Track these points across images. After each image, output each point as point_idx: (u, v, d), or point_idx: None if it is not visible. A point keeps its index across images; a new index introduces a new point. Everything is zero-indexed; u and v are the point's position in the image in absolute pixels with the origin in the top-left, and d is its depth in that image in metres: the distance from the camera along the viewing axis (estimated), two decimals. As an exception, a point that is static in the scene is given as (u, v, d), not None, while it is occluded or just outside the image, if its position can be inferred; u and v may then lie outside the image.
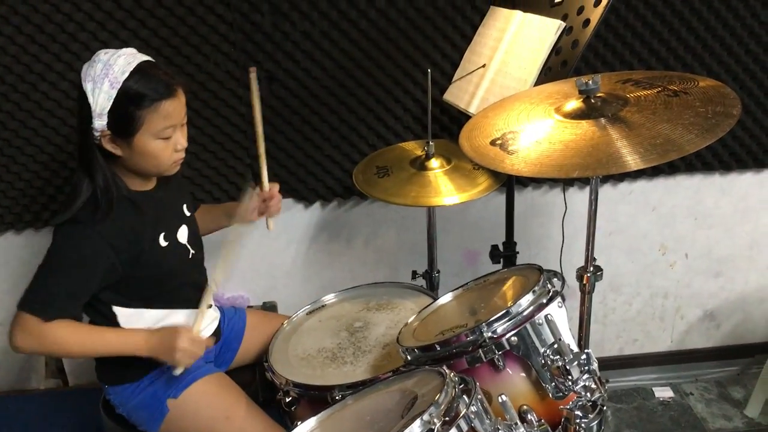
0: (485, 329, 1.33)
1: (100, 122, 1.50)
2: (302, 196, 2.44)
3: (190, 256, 1.76)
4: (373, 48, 2.23)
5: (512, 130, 1.53)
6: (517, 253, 2.23)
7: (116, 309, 1.65)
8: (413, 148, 2.12)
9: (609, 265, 2.57)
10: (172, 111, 1.54)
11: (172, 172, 1.64)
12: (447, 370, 1.18)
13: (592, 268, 1.66)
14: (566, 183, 2.42)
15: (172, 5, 2.11)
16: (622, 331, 2.74)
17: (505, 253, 2.20)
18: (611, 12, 2.17)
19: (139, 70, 1.50)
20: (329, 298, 1.98)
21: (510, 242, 2.20)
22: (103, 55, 1.51)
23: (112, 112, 1.49)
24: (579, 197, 2.44)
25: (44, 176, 2.30)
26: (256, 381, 1.92)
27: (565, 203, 2.35)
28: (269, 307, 2.55)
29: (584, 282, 1.66)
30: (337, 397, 1.52)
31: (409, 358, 1.42)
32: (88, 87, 1.49)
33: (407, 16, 2.19)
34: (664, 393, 2.69)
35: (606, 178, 2.46)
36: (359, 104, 2.30)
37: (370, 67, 2.25)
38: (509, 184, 2.16)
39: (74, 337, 1.56)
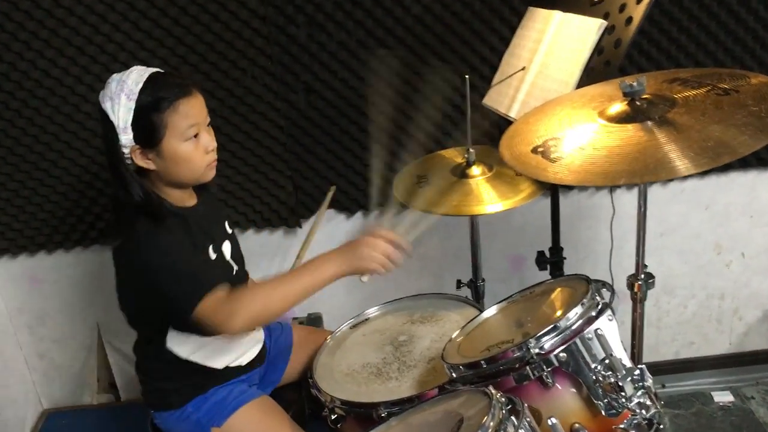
0: (532, 345, 1.28)
1: (126, 137, 1.50)
2: (343, 207, 2.42)
3: (234, 273, 1.75)
4: (410, 55, 2.20)
5: (554, 136, 1.48)
6: (564, 258, 2.17)
7: (169, 334, 1.64)
8: (453, 155, 2.08)
9: (661, 267, 2.51)
10: (191, 109, 1.53)
11: (209, 176, 1.61)
12: (493, 391, 1.14)
13: (643, 276, 1.60)
14: (613, 185, 2.36)
15: (209, 21, 2.12)
16: (677, 335, 2.65)
17: (552, 260, 2.15)
18: (654, 7, 2.09)
19: (152, 78, 1.51)
20: (373, 311, 1.95)
21: (556, 248, 2.15)
22: (116, 75, 1.53)
23: (135, 124, 1.49)
24: (627, 198, 2.37)
25: (90, 195, 2.34)
26: (302, 397, 1.91)
27: (613, 206, 2.28)
28: (314, 318, 2.54)
29: (635, 290, 1.60)
30: (382, 414, 1.49)
31: (454, 375, 1.38)
32: (107, 106, 1.50)
33: (444, 21, 2.16)
34: (723, 397, 2.59)
35: (670, 178, 2.37)
36: (398, 112, 2.27)
37: (408, 74, 2.22)
38: (554, 188, 2.11)
39: (265, 293, 1.53)
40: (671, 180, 2.39)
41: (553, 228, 2.14)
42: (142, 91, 1.49)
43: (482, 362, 1.33)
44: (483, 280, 2.17)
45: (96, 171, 2.30)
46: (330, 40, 2.17)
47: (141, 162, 1.53)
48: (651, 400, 1.29)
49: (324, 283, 1.53)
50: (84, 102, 2.20)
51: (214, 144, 1.59)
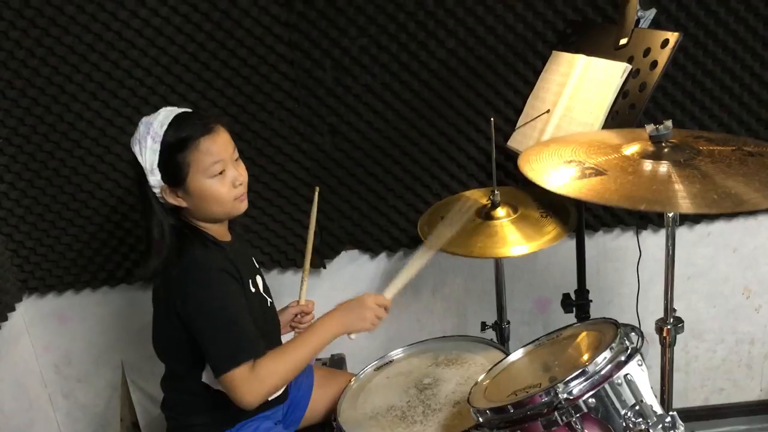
0: (561, 390, 1.26)
1: (154, 178, 1.55)
2: (368, 247, 2.43)
3: (269, 305, 1.79)
4: (435, 98, 2.23)
5: (580, 160, 1.49)
6: (591, 301, 2.14)
7: (206, 368, 1.65)
8: (478, 196, 2.08)
9: (689, 311, 2.47)
10: (213, 146, 1.56)
11: (241, 208, 1.64)
12: (522, 437, 1.12)
13: (672, 320, 1.57)
14: (639, 226, 2.34)
15: (238, 65, 2.17)
16: (706, 380, 2.59)
17: (578, 302, 2.12)
18: (679, 51, 2.11)
19: (176, 119, 1.56)
20: (397, 353, 1.94)
21: (582, 290, 2.13)
22: (145, 118, 1.59)
23: (161, 165, 1.54)
24: (653, 241, 2.35)
25: (118, 235, 2.37)
26: (327, 440, 1.89)
27: (639, 248, 2.26)
28: (337, 360, 2.52)
29: (664, 335, 1.58)
30: (408, 459, 1.48)
31: (480, 419, 1.37)
32: (136, 149, 1.56)
33: (468, 65, 2.19)
34: (756, 445, 2.53)
35: (681, 220, 2.36)
36: (422, 154, 2.29)
37: (433, 117, 2.24)
38: (579, 229, 2.10)
39: (282, 364, 1.59)
40: (698, 222, 2.37)
41: (579, 270, 2.13)
42: (166, 133, 1.54)
43: (509, 407, 1.31)
44: (508, 323, 2.15)
45: (125, 212, 2.33)
46: (355, 84, 2.21)
47: (171, 200, 1.58)
48: (683, 448, 1.26)
49: (328, 342, 1.65)
50: (114, 143, 2.25)
51: (242, 177, 1.63)
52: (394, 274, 2.43)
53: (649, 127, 1.45)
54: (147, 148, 1.54)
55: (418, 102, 2.23)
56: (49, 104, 2.20)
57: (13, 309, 2.38)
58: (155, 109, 2.14)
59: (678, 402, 2.60)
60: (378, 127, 2.26)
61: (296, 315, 1.97)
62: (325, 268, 2.45)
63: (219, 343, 1.54)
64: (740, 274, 2.45)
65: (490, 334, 2.16)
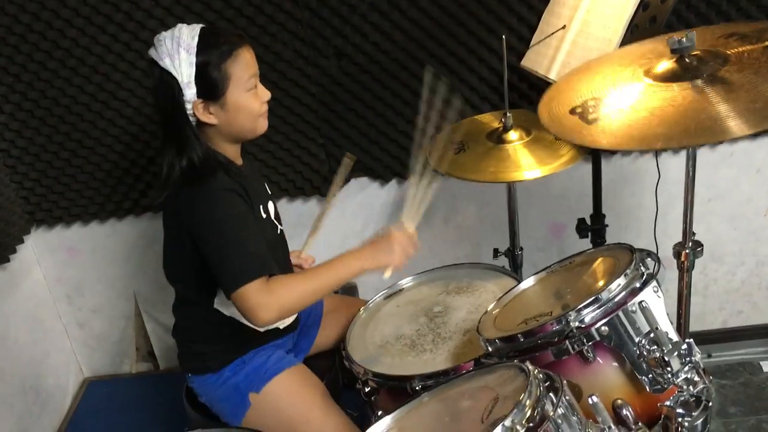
0: (572, 318, 1.22)
1: (190, 92, 1.50)
2: (377, 174, 2.37)
3: (279, 232, 1.75)
4: (444, 15, 2.11)
5: (594, 96, 1.40)
6: (606, 226, 2.09)
7: (219, 294, 1.64)
8: (490, 120, 2.00)
9: (709, 234, 2.40)
10: (250, 59, 1.55)
11: (264, 126, 1.63)
12: (530, 367, 1.08)
13: (691, 244, 1.51)
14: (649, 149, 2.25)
15: (237, -15, 2.07)
16: (725, 303, 2.55)
17: (593, 227, 2.07)
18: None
19: (206, 31, 1.52)
20: (407, 281, 1.91)
21: (598, 215, 2.07)
22: (166, 33, 1.52)
23: (199, 77, 1.49)
24: (673, 162, 2.26)
25: (123, 166, 2.33)
26: (336, 366, 1.88)
27: (658, 170, 2.18)
28: (348, 289, 2.50)
29: (682, 259, 1.52)
30: (417, 387, 1.45)
31: (490, 349, 1.33)
32: (167, 63, 1.48)
33: (480, -21, 2.07)
34: (773, 368, 2.50)
35: (710, 143, 2.26)
36: (431, 76, 2.19)
37: (442, 36, 2.14)
38: (595, 152, 2.02)
39: (300, 284, 1.54)
40: (720, 142, 2.28)
41: (595, 194, 2.06)
42: (200, 44, 1.49)
43: (519, 336, 1.28)
44: (521, 249, 2.10)
45: (128, 141, 2.28)
46: (361, 2, 2.10)
47: (203, 116, 1.54)
48: (699, 375, 1.22)
49: (353, 275, 1.58)
50: (114, 71, 2.18)
51: (269, 94, 1.62)
52: (406, 202, 2.43)
53: (671, 40, 1.35)
54: (182, 61, 1.47)
55: (426, 21, 2.12)
56: (43, 30, 2.12)
57: (21, 241, 2.37)
58: (141, 28, 2.11)
59: (695, 325, 2.55)
60: (385, 48, 2.16)
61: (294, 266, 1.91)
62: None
63: (229, 260, 1.49)
64: (764, 195, 2.37)
65: (503, 261, 2.11)
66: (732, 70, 1.29)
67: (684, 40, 1.34)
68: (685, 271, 1.53)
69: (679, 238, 1.57)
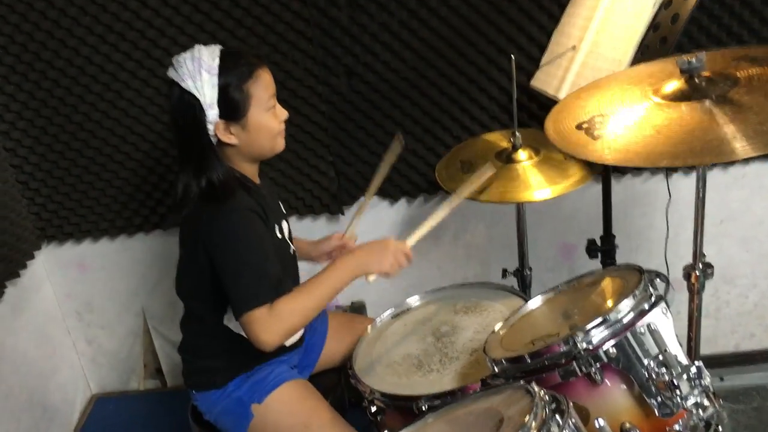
0: (580, 339, 1.21)
1: (212, 112, 1.51)
2: (387, 194, 2.37)
3: (291, 252, 1.76)
4: (455, 35, 2.12)
5: (602, 113, 1.40)
6: (617, 247, 2.07)
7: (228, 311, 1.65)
8: (499, 139, 2.00)
9: (721, 256, 2.38)
10: (269, 79, 1.58)
11: (282, 146, 1.65)
12: (536, 388, 1.07)
13: (701, 266, 1.50)
14: (669, 169, 2.24)
15: (248, 5, 2.09)
16: (737, 326, 2.51)
17: (603, 248, 2.05)
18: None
19: (226, 53, 1.55)
20: (415, 300, 1.90)
21: (608, 236, 2.05)
22: (185, 54, 1.53)
23: (221, 98, 1.51)
24: (684, 183, 2.25)
25: (134, 183, 2.34)
26: (342, 384, 1.87)
27: (669, 191, 2.17)
28: (357, 307, 2.50)
29: (692, 281, 1.50)
30: (423, 408, 1.44)
31: (496, 369, 1.32)
32: (189, 84, 1.50)
33: (489, 0, 2.07)
34: (787, 393, 2.46)
35: (715, 162, 2.25)
36: (442, 95, 2.20)
37: (452, 56, 2.15)
38: (606, 172, 2.01)
39: (301, 302, 1.54)
40: (732, 164, 2.26)
41: (605, 214, 2.05)
42: (222, 66, 1.51)
43: (526, 356, 1.26)
44: (530, 269, 2.09)
45: (139, 158, 2.30)
46: (372, 22, 2.11)
47: (224, 137, 1.55)
48: (709, 399, 1.20)
49: (347, 281, 1.58)
50: (126, 88, 2.20)
51: (286, 113, 1.65)
52: (415, 221, 2.41)
53: (680, 60, 1.35)
54: (204, 82, 1.49)
55: (436, 40, 2.13)
56: (57, 48, 2.15)
57: (32, 257, 2.38)
58: (166, 53, 2.13)
59: (707, 348, 2.54)
60: (395, 67, 2.17)
61: (336, 248, 1.91)
62: (343, 214, 2.40)
63: (243, 282, 1.51)
64: (776, 218, 2.35)
65: (512, 281, 2.10)
66: (741, 92, 1.28)
67: (694, 60, 1.34)
68: (695, 292, 1.51)
69: (690, 259, 1.56)
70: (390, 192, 2.36)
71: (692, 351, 1.59)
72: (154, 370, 2.72)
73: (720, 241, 2.37)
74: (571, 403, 1.06)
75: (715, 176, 2.29)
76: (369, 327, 1.83)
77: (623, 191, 2.32)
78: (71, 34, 2.13)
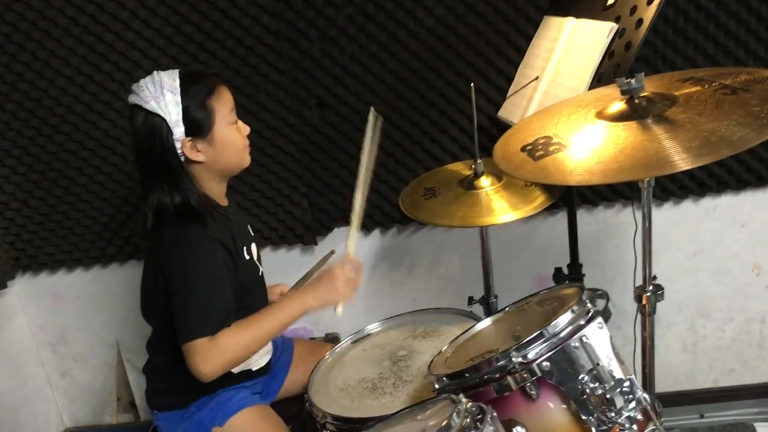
0: (514, 354, 1.20)
1: (179, 130, 1.55)
2: (361, 224, 2.37)
3: (260, 274, 1.78)
4: (424, 68, 2.16)
5: (546, 135, 1.41)
6: (584, 275, 2.06)
7: None
8: (461, 168, 2.01)
9: (695, 289, 2.36)
10: (228, 95, 1.64)
11: (247, 161, 1.69)
12: (461, 398, 1.06)
13: (651, 287, 1.49)
14: (637, 199, 2.24)
15: (222, 38, 2.14)
16: (715, 361, 2.47)
17: (570, 276, 2.04)
18: (669, 6, 2.01)
19: (184, 73, 1.59)
20: (375, 326, 1.90)
21: (575, 263, 2.05)
22: (145, 79, 1.58)
23: (185, 116, 1.55)
24: (656, 215, 2.24)
25: (108, 212, 2.36)
26: (305, 411, 1.85)
27: (635, 220, 2.15)
28: (332, 339, 2.48)
29: (643, 302, 1.49)
30: (373, 430, 1.42)
31: (437, 386, 1.31)
32: (153, 105, 1.53)
33: (458, 33, 2.12)
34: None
35: (686, 194, 2.25)
36: (413, 126, 2.23)
37: (422, 88, 2.18)
38: (570, 203, 2.02)
39: (245, 336, 1.55)
40: (703, 196, 2.26)
41: (571, 244, 2.05)
42: (183, 85, 1.55)
43: (465, 372, 1.25)
44: (496, 297, 2.08)
45: (114, 188, 2.32)
46: (342, 54, 2.16)
47: (191, 154, 1.58)
48: (648, 416, 1.18)
49: (296, 318, 1.59)
50: (101, 119, 2.24)
51: (248, 128, 1.69)
52: (389, 252, 2.42)
53: (620, 81, 1.37)
54: (168, 102, 1.53)
55: (407, 73, 2.17)
56: (34, 80, 2.20)
57: (5, 287, 2.39)
58: (129, 78, 2.17)
59: (686, 384, 2.50)
60: (367, 99, 2.20)
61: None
62: (316, 245, 2.41)
63: (189, 310, 1.52)
64: (749, 251, 2.33)
65: (478, 309, 2.09)
66: (678, 111, 1.30)
67: (633, 82, 1.36)
68: (647, 314, 1.50)
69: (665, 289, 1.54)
70: (363, 223, 2.36)
71: (647, 380, 1.55)
72: (128, 403, 2.69)
73: (694, 274, 2.36)
74: (494, 414, 1.04)
75: (686, 208, 2.29)
76: (328, 353, 1.82)
77: (596, 222, 2.33)
78: (48, 65, 2.18)
